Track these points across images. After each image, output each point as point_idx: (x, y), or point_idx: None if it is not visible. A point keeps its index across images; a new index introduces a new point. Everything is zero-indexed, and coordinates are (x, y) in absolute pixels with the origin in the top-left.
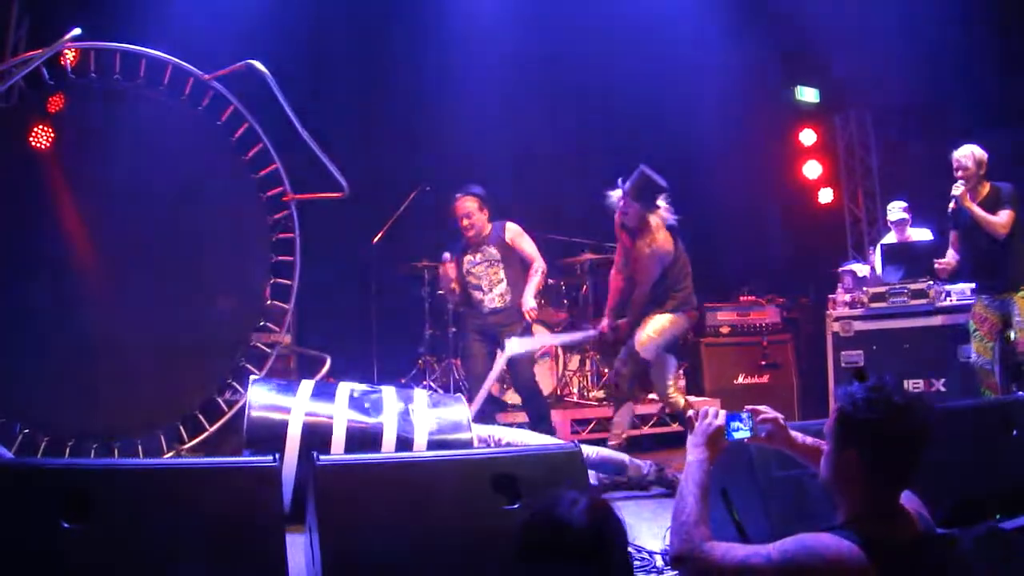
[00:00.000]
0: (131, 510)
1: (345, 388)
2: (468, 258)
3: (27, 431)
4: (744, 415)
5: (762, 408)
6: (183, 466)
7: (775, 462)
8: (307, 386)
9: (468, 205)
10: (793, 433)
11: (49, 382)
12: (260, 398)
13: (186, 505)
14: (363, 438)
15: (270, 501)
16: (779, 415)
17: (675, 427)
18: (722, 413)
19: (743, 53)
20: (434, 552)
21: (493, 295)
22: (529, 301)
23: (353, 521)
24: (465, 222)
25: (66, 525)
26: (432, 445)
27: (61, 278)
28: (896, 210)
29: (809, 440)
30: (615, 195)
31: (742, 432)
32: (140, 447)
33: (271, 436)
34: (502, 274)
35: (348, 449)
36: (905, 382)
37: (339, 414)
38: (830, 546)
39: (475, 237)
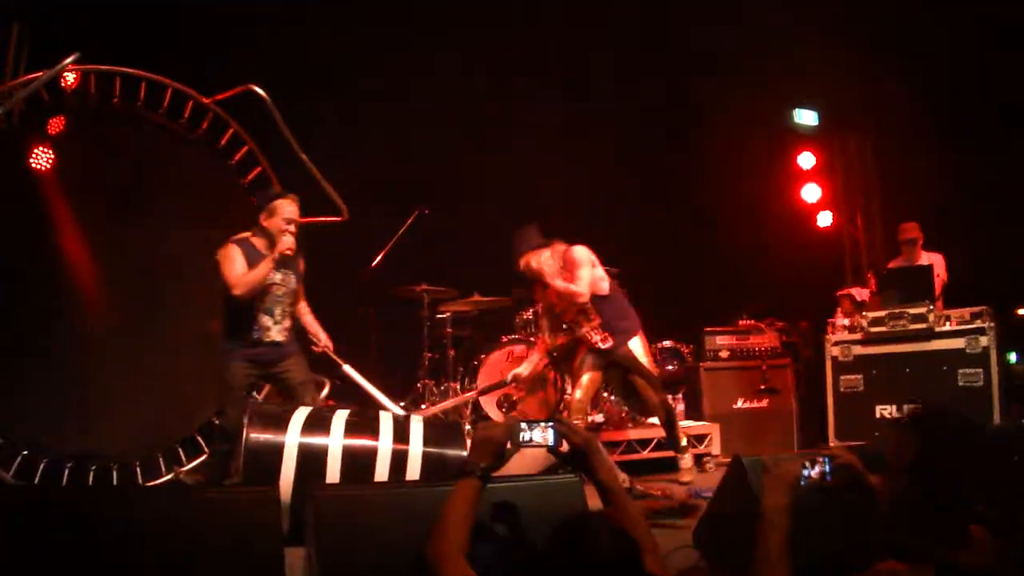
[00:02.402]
0: (131, 533)
1: (342, 413)
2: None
3: (26, 453)
4: (818, 458)
5: (839, 453)
6: (183, 490)
7: None
8: (303, 411)
9: (295, 211)
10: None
11: (47, 405)
12: (257, 422)
13: (186, 529)
14: (359, 456)
15: (269, 527)
16: (853, 457)
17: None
18: (796, 460)
19: (742, 75)
20: None
21: (282, 327)
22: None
23: (351, 550)
24: (294, 228)
25: (65, 549)
26: (427, 458)
27: (60, 300)
28: (907, 231)
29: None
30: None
31: (812, 478)
32: (139, 469)
33: (268, 458)
34: (291, 308)
35: (344, 468)
36: (904, 407)
37: (335, 435)
38: None
39: (290, 251)
